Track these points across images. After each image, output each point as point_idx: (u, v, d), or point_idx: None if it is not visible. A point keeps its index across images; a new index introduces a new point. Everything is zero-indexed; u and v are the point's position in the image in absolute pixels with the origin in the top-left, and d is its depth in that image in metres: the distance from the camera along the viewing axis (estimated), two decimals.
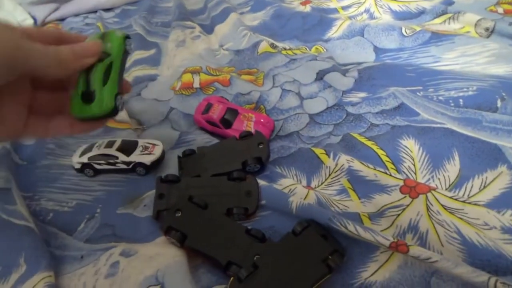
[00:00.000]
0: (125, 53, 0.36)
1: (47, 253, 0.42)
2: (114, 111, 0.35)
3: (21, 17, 0.78)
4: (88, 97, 0.34)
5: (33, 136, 0.38)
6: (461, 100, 0.49)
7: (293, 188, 0.45)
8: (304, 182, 0.47)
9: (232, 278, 0.36)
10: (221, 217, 0.42)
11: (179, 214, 0.42)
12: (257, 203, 0.44)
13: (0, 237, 0.44)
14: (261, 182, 0.46)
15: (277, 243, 0.39)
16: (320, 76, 0.58)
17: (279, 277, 0.36)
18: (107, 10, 0.92)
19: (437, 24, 0.64)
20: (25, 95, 0.34)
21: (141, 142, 0.52)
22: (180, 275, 0.37)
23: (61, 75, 0.32)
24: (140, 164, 0.50)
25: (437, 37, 0.60)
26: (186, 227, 0.41)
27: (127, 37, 0.36)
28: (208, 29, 0.79)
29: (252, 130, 0.52)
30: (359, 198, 0.43)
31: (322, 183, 0.46)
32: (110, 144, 0.51)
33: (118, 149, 0.50)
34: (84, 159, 0.50)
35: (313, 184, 0.47)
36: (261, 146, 0.48)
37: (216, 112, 0.54)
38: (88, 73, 0.34)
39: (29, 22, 0.79)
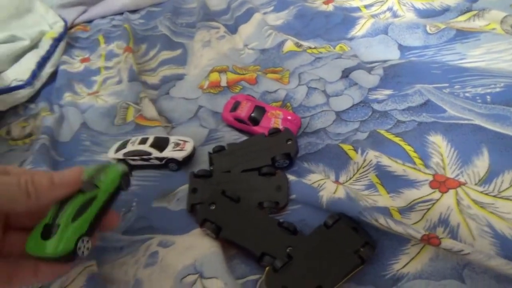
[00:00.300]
0: (118, 190, 0.33)
1: None
2: (71, 255, 0.29)
3: (52, 20, 0.81)
4: (48, 232, 0.29)
5: None
6: (488, 97, 0.50)
7: (322, 183, 0.46)
8: (333, 178, 0.48)
9: (268, 268, 0.38)
10: (254, 210, 0.43)
11: (213, 207, 0.43)
12: (288, 197, 0.45)
13: None
14: (291, 177, 0.47)
15: (309, 236, 0.40)
16: (345, 74, 0.59)
17: (312, 268, 0.37)
18: (133, 12, 0.95)
19: (462, 22, 0.64)
20: None
21: (172, 138, 0.54)
22: (217, 265, 0.39)
23: (33, 207, 0.29)
24: (173, 160, 0.51)
25: (462, 35, 0.60)
26: (220, 219, 0.42)
27: (125, 174, 0.33)
28: (232, 29, 0.80)
29: (280, 127, 0.53)
30: (388, 193, 0.44)
31: (350, 179, 0.47)
32: (143, 141, 0.53)
33: (152, 146, 0.52)
34: (120, 155, 0.52)
35: (341, 180, 0.48)
36: (290, 142, 0.50)
37: (244, 110, 0.55)
38: (62, 205, 0.30)
39: (60, 24, 0.81)
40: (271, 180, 0.47)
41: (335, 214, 0.41)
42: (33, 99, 0.74)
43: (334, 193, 0.45)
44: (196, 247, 0.41)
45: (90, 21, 0.95)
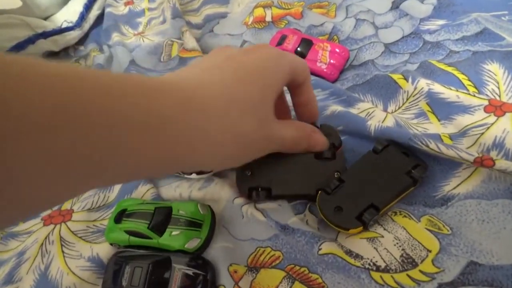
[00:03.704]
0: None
1: None
2: None
3: None
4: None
5: None
6: None
7: (371, 111, 0.46)
8: (381, 107, 0.48)
9: (320, 192, 0.38)
10: (286, 157, 0.40)
11: (249, 173, 0.40)
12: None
13: None
14: (338, 108, 0.47)
15: (358, 161, 0.40)
16: (396, 4, 0.57)
17: (365, 189, 0.37)
18: None
19: None
20: None
21: None
22: None
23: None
24: None
25: None
26: (263, 181, 0.40)
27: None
28: None
29: (327, 60, 0.53)
30: (439, 120, 0.43)
31: (399, 108, 0.47)
32: None
33: None
34: None
35: (389, 110, 0.47)
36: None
37: (291, 43, 0.55)
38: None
39: None
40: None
41: (384, 140, 0.41)
42: (82, 41, 0.77)
43: (383, 121, 0.44)
44: None
45: None
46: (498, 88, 0.44)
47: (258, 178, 0.40)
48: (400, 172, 0.38)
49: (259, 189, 0.40)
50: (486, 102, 0.41)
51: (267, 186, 0.40)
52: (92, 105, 0.21)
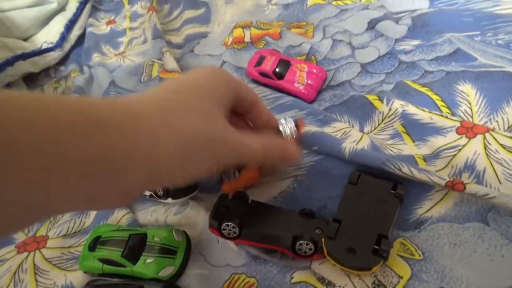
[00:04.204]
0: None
1: None
2: None
3: None
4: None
5: None
6: None
7: (348, 131, 0.46)
8: (357, 128, 0.48)
9: (323, 239, 0.35)
10: (266, 207, 0.40)
11: (224, 210, 0.39)
12: None
13: None
14: (313, 128, 0.47)
15: (342, 197, 0.39)
16: (371, 25, 0.58)
17: (364, 222, 0.36)
18: None
19: None
20: None
21: None
22: None
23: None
24: None
25: None
26: (237, 219, 0.37)
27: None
28: None
29: (305, 81, 0.53)
30: (413, 141, 0.44)
31: (375, 128, 0.47)
32: None
33: None
34: None
35: (365, 130, 0.48)
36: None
37: (269, 64, 0.55)
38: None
39: None
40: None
41: (355, 171, 0.41)
42: (63, 61, 0.77)
43: (359, 141, 0.45)
44: None
45: None
46: (471, 109, 0.44)
47: (233, 216, 0.38)
48: (385, 196, 0.38)
49: (230, 223, 0.37)
50: (458, 124, 0.42)
51: (241, 223, 0.37)
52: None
